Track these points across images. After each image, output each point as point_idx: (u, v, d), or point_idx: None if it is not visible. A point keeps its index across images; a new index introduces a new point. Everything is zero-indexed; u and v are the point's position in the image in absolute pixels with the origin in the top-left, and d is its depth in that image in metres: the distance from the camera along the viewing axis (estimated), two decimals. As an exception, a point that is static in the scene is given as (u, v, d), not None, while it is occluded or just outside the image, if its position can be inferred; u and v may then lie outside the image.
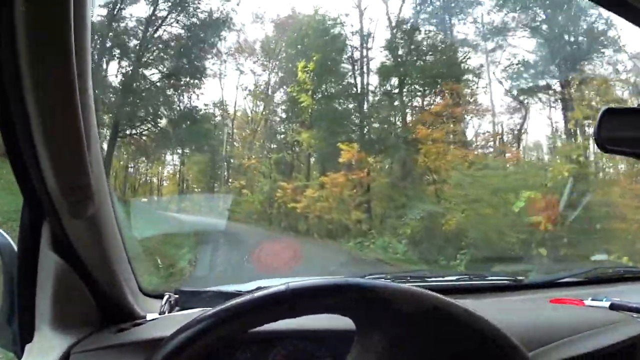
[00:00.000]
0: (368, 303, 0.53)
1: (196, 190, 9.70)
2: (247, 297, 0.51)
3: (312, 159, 9.22)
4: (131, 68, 7.94)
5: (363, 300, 0.53)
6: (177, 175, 10.02)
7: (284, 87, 9.76)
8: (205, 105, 9.20)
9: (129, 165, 9.37)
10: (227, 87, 11.24)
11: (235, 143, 10.38)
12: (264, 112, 10.15)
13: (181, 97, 8.64)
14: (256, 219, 8.84)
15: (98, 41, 7.29)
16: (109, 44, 7.73)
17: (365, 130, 8.84)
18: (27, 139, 0.59)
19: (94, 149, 0.63)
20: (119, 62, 7.84)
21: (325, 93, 9.08)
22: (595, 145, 0.82)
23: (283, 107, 9.92)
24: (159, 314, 0.86)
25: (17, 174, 0.67)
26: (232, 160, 10.13)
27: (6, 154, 0.68)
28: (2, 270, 0.81)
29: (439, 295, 0.55)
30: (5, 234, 0.87)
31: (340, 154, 7.78)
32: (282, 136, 9.74)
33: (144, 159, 9.47)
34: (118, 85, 7.92)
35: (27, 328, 0.73)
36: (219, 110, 9.76)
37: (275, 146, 9.77)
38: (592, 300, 1.05)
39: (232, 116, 10.13)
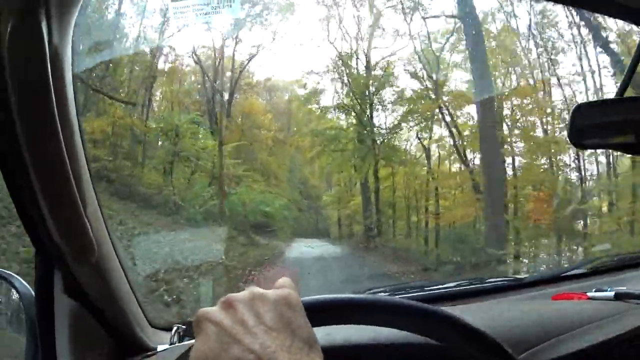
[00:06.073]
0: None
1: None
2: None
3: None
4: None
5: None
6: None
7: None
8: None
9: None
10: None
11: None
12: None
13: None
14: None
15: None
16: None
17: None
18: (33, 203, 0.66)
19: (89, 199, 0.69)
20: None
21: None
22: (569, 141, 0.82)
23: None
24: (170, 345, 0.89)
25: (28, 229, 0.74)
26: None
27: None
28: (24, 316, 0.88)
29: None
30: (23, 281, 0.94)
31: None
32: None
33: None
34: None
35: None
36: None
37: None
38: (596, 291, 1.03)
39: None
